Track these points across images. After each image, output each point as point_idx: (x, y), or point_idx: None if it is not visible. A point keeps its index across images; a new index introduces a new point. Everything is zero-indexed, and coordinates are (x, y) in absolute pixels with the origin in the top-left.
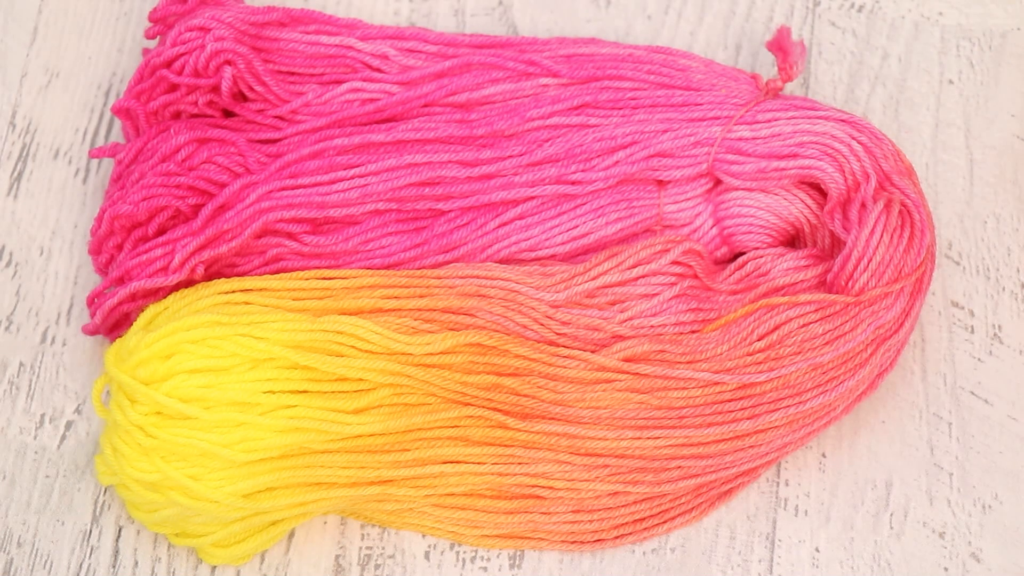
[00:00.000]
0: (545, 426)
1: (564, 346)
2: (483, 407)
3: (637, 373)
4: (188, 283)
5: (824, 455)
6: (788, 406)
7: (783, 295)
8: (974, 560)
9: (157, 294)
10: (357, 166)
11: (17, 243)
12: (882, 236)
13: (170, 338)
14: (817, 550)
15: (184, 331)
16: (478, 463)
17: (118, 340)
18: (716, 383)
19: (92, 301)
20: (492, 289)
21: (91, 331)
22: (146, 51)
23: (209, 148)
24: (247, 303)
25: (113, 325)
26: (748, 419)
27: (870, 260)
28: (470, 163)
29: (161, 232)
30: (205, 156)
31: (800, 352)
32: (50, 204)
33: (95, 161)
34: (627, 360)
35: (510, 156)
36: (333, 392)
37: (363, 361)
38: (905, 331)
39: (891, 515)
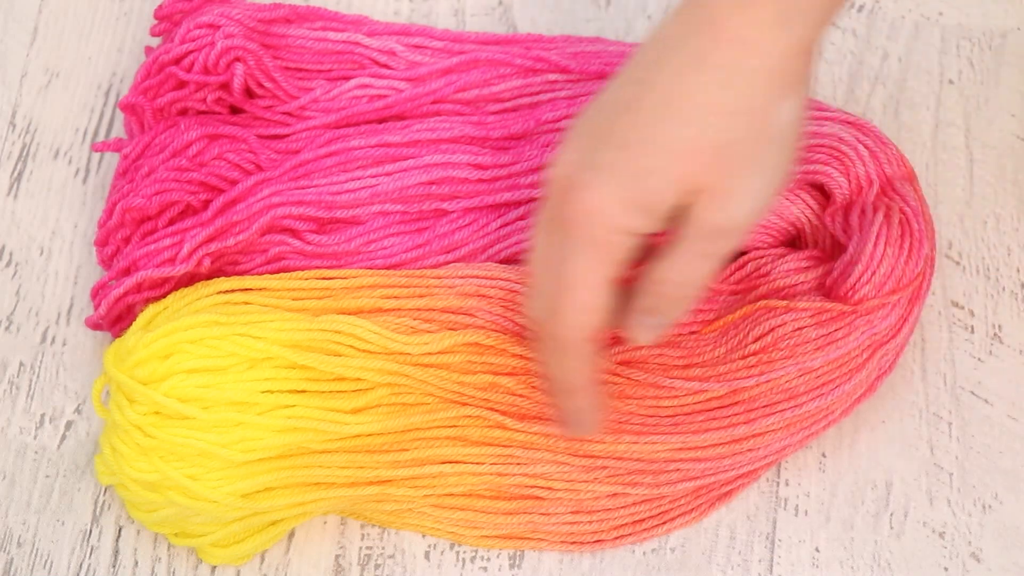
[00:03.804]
0: (542, 427)
1: None
2: (481, 407)
3: (629, 378)
4: (194, 276)
5: (824, 455)
6: (784, 410)
7: (783, 297)
8: (974, 560)
9: (163, 285)
10: (373, 166)
11: (17, 243)
12: (885, 249)
13: (168, 338)
14: (817, 550)
15: (182, 331)
16: (477, 463)
17: (117, 340)
18: (706, 391)
19: (96, 293)
20: (492, 289)
21: (94, 323)
22: (149, 49)
23: (220, 144)
24: (247, 303)
25: (116, 318)
26: (744, 424)
27: (873, 273)
28: (487, 166)
29: (169, 226)
30: (216, 152)
31: (791, 356)
32: (50, 204)
33: (95, 161)
34: (623, 364)
35: (525, 159)
36: (331, 392)
37: (360, 360)
38: (903, 336)
39: (891, 515)
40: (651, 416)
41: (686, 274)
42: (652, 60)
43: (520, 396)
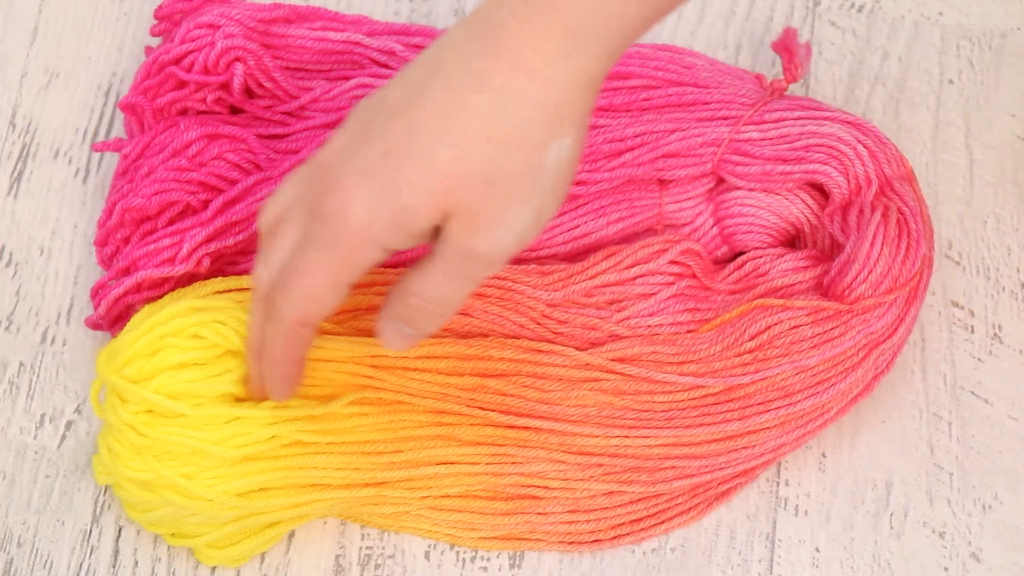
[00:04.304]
0: (534, 423)
1: (559, 343)
2: (468, 406)
3: (621, 373)
4: (193, 276)
5: (824, 455)
6: (778, 408)
7: (781, 296)
8: (974, 560)
9: (163, 285)
10: None
11: (17, 243)
12: (882, 248)
13: (151, 334)
14: (817, 550)
15: (163, 324)
16: (472, 463)
17: (110, 341)
18: (700, 386)
19: (96, 293)
20: (489, 288)
21: (93, 323)
22: (149, 49)
23: (220, 144)
24: (239, 301)
25: (116, 318)
26: (737, 420)
27: (870, 272)
28: None
29: (169, 226)
30: (216, 152)
31: (787, 355)
32: (50, 204)
33: (95, 161)
34: (616, 360)
35: None
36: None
37: (328, 373)
38: (900, 336)
39: (891, 515)
40: (645, 411)
41: (437, 291)
42: (434, 66)
43: (508, 396)
